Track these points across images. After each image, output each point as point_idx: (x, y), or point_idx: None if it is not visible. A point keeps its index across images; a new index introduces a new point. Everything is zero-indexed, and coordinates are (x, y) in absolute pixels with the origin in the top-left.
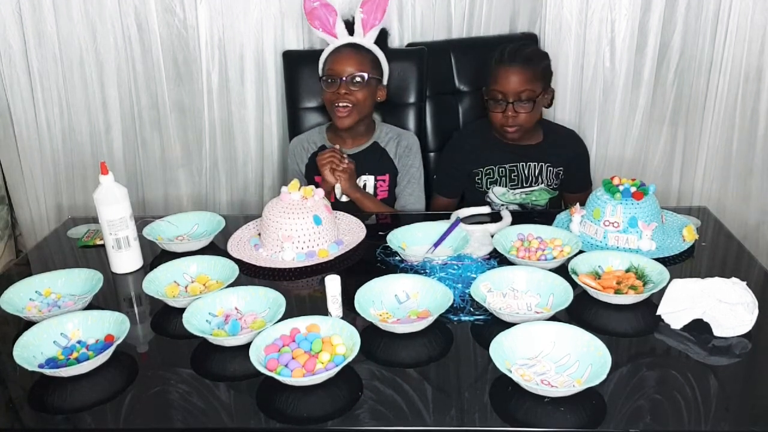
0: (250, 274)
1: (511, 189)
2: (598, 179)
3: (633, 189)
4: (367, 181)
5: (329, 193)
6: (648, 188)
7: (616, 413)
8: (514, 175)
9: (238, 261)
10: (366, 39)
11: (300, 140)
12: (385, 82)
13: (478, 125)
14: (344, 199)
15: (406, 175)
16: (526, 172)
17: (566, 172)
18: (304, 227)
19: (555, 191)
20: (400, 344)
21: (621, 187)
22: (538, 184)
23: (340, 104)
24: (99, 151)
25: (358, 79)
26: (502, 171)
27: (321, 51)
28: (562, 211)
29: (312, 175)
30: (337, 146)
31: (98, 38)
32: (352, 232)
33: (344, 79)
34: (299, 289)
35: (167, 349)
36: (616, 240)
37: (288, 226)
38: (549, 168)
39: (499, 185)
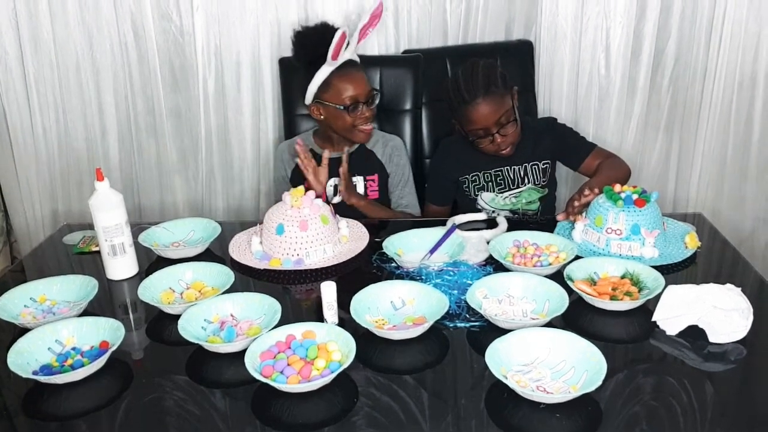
0: (246, 276)
1: (499, 193)
2: None
3: (635, 196)
4: (357, 182)
5: (320, 195)
6: (650, 195)
7: (611, 420)
8: (500, 179)
9: (234, 266)
10: (353, 52)
11: (288, 145)
12: None
13: (460, 134)
14: (336, 200)
15: (399, 174)
16: (511, 174)
17: (559, 152)
18: (304, 233)
19: (544, 189)
20: (396, 351)
21: (623, 195)
22: (525, 185)
23: (366, 126)
24: (95, 157)
25: (375, 95)
26: (487, 176)
27: None
28: (562, 212)
29: (298, 181)
30: (326, 152)
31: (95, 44)
32: (354, 238)
33: (365, 101)
34: (295, 296)
35: (162, 355)
36: (619, 248)
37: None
38: (534, 166)
39: (487, 191)
